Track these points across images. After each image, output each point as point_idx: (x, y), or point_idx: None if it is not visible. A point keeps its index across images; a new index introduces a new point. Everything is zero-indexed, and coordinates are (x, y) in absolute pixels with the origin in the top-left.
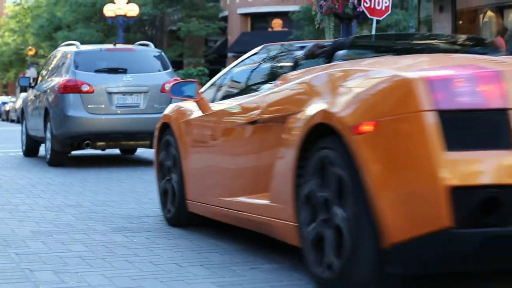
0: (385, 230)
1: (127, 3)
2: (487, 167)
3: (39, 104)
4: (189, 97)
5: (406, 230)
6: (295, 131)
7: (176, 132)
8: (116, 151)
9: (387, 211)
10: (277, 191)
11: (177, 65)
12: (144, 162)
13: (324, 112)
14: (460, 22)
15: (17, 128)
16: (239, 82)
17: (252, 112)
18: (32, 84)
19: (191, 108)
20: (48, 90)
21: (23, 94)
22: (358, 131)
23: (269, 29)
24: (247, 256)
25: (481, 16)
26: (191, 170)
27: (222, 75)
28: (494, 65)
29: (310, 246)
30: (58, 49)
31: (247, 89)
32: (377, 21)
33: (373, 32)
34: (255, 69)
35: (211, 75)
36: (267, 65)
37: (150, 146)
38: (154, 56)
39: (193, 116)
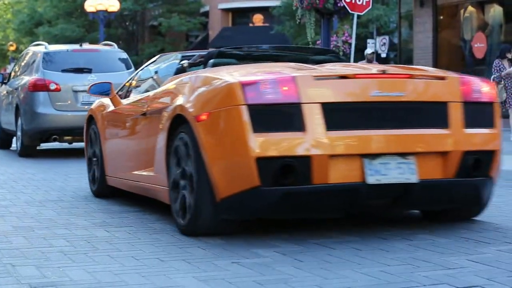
0: (217, 189)
1: None
2: (284, 143)
3: (11, 100)
4: (105, 94)
5: (230, 188)
6: (165, 120)
7: (98, 122)
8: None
9: (217, 175)
10: (157, 165)
11: None
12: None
13: (180, 107)
14: (441, 17)
15: None
16: (140, 83)
17: (143, 107)
18: (5, 81)
19: (109, 103)
20: (19, 88)
21: None
22: (198, 120)
23: (250, 25)
24: (229, 250)
25: (462, 11)
26: (108, 152)
27: (132, 77)
28: (295, 72)
29: (174, 203)
30: (29, 48)
31: (144, 89)
32: (358, 16)
33: (354, 27)
34: (146, 72)
35: None
36: (160, 70)
37: None
38: (118, 56)
39: (109, 110)
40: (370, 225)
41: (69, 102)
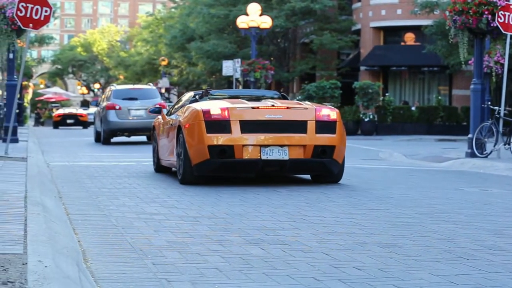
0: (191, 160)
1: (260, 15)
2: (221, 139)
3: (99, 114)
4: (157, 113)
5: (197, 159)
6: (176, 128)
7: (156, 129)
8: (140, 138)
9: (191, 153)
10: (174, 152)
11: (309, 78)
12: (279, 176)
13: (179, 121)
14: None
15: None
16: (174, 107)
17: (171, 120)
18: (98, 104)
19: (161, 119)
20: (102, 108)
21: None
22: (185, 127)
23: (402, 43)
24: (386, 272)
25: None
26: (160, 146)
27: (175, 103)
28: (231, 105)
29: (178, 168)
30: (110, 87)
31: (175, 111)
32: (511, 37)
33: (507, 47)
34: (181, 101)
35: (343, 88)
36: (186, 100)
37: (148, 137)
38: (152, 91)
39: (160, 122)
40: None
41: (126, 115)
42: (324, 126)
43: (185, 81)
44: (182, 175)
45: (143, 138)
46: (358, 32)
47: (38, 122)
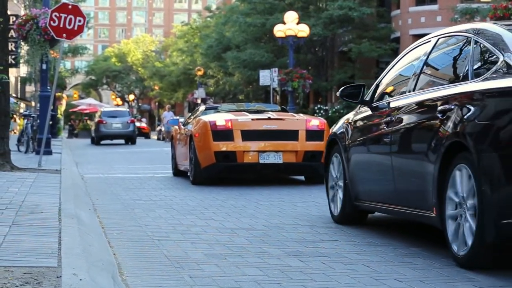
0: (201, 163)
1: (298, 23)
2: (225, 146)
3: (92, 127)
4: (175, 124)
5: (205, 163)
6: (188, 137)
7: (174, 138)
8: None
9: (201, 158)
10: (188, 157)
11: None
12: (317, 187)
13: (190, 131)
14: None
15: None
16: (190, 118)
17: (186, 130)
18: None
19: (177, 128)
20: (95, 122)
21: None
22: (195, 136)
23: None
24: (427, 284)
25: None
26: (177, 153)
27: (190, 115)
28: (234, 117)
29: (190, 171)
30: (99, 109)
31: (189, 122)
32: None
33: None
34: (195, 113)
35: None
36: (199, 113)
37: (125, 140)
38: (126, 112)
39: (177, 132)
40: None
41: (110, 127)
42: (313, 135)
43: (221, 91)
44: (193, 177)
45: (122, 141)
46: (397, 40)
47: (72, 134)
